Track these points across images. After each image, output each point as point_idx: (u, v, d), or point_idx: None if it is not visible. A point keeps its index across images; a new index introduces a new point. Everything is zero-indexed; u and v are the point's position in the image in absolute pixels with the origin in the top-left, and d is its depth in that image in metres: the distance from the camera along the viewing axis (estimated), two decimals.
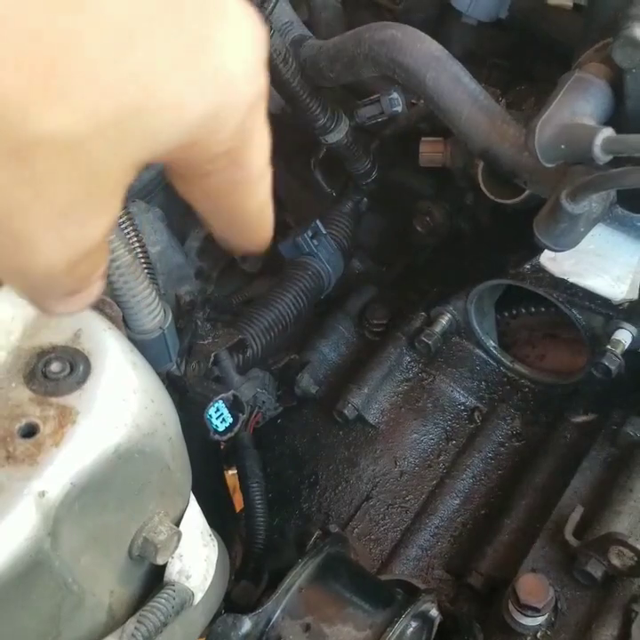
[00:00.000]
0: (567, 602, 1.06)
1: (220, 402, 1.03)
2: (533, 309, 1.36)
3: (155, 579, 0.84)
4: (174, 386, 1.02)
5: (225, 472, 1.38)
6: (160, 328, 0.90)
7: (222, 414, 1.03)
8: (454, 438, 1.32)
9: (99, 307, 0.80)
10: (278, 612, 0.99)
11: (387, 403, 1.33)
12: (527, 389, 1.33)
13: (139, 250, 0.97)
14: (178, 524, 0.82)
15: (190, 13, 0.34)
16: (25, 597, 0.67)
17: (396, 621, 0.98)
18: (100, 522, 0.73)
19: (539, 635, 1.04)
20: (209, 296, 1.33)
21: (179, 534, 0.80)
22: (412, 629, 1.00)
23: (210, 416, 1.02)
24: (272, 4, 1.09)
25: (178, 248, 1.22)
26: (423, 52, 1.03)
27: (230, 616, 0.98)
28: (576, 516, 1.08)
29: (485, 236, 1.35)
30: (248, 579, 1.15)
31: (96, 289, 0.41)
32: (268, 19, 1.08)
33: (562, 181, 0.93)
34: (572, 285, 1.13)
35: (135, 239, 0.97)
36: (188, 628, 0.90)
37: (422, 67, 1.03)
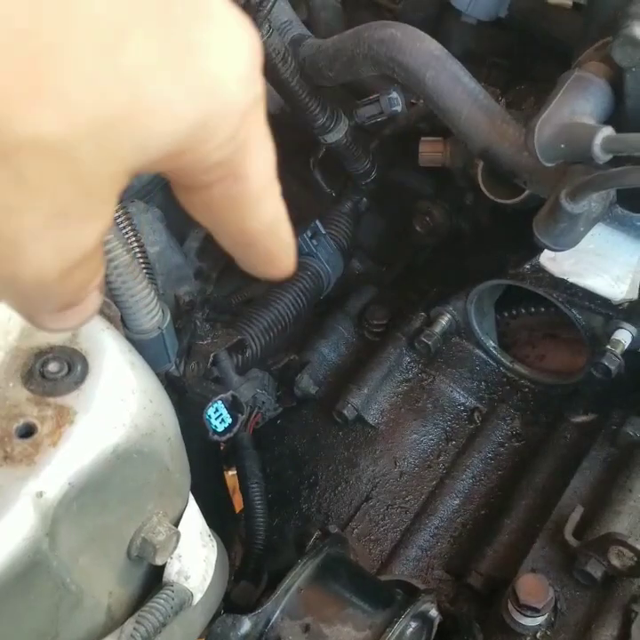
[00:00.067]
0: (567, 602, 1.06)
1: (219, 402, 1.02)
2: (533, 309, 1.36)
3: (153, 579, 0.83)
4: (173, 386, 1.02)
5: (225, 473, 1.38)
6: (158, 328, 0.90)
7: (221, 415, 1.03)
8: (454, 439, 1.32)
9: None
10: (278, 612, 0.99)
11: (386, 403, 1.33)
12: (527, 389, 1.33)
13: (137, 250, 0.97)
14: (177, 525, 0.81)
15: (177, 17, 0.33)
16: (23, 598, 0.67)
17: (396, 622, 0.98)
18: (98, 522, 0.73)
19: (538, 635, 1.04)
20: (208, 296, 1.33)
21: (177, 535, 0.79)
22: (411, 630, 1.00)
23: (209, 416, 1.02)
24: (271, 3, 1.09)
25: (177, 248, 1.22)
26: (423, 51, 1.03)
27: (229, 616, 0.98)
28: (576, 517, 1.08)
29: (485, 236, 1.35)
30: (247, 579, 1.15)
31: (92, 303, 0.40)
32: (266, 18, 1.08)
33: (561, 181, 0.93)
34: (572, 285, 1.13)
35: (134, 239, 0.96)
36: (188, 628, 0.90)
37: (422, 66, 1.03)
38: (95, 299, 0.40)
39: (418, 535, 1.23)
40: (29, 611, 0.69)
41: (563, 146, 0.89)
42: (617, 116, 0.93)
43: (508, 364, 1.33)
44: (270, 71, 1.17)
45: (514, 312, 1.38)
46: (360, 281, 1.47)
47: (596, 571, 1.04)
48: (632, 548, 1.01)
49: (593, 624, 1.03)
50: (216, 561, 0.91)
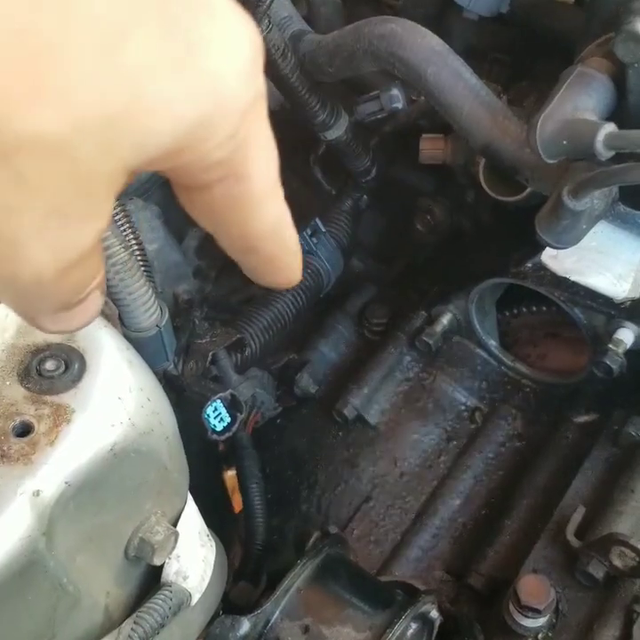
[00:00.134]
0: (568, 603, 1.06)
1: (218, 401, 1.02)
2: (535, 308, 1.35)
3: (152, 579, 0.83)
4: (171, 385, 1.01)
5: (224, 472, 1.38)
6: (156, 326, 0.89)
7: (220, 414, 1.03)
8: (455, 438, 1.32)
9: None
10: (277, 613, 0.98)
11: (387, 403, 1.33)
12: (528, 389, 1.32)
13: (135, 247, 0.96)
14: (175, 525, 0.81)
15: (177, 16, 0.33)
16: (19, 598, 0.67)
17: (396, 623, 0.97)
18: (95, 522, 0.72)
19: (540, 636, 1.04)
20: (207, 295, 1.33)
21: (176, 534, 0.79)
22: (412, 631, 0.99)
23: (207, 415, 1.01)
24: None
25: (175, 246, 1.22)
26: (424, 46, 1.03)
27: (228, 617, 0.97)
28: (577, 517, 1.08)
29: (486, 233, 1.35)
30: (247, 579, 1.14)
31: (92, 305, 0.40)
32: (266, 13, 1.07)
33: (563, 178, 0.93)
34: (574, 284, 1.13)
35: (132, 236, 0.96)
36: (186, 629, 0.89)
37: (423, 61, 1.02)
38: (96, 299, 0.40)
39: (418, 536, 1.23)
40: (26, 611, 0.68)
41: (565, 142, 0.88)
42: (619, 113, 0.93)
43: (510, 363, 1.33)
44: (270, 67, 1.16)
45: (515, 311, 1.37)
46: (360, 279, 1.47)
47: (598, 571, 1.03)
48: (634, 549, 1.00)
49: (595, 625, 1.02)
50: (215, 561, 0.90)
